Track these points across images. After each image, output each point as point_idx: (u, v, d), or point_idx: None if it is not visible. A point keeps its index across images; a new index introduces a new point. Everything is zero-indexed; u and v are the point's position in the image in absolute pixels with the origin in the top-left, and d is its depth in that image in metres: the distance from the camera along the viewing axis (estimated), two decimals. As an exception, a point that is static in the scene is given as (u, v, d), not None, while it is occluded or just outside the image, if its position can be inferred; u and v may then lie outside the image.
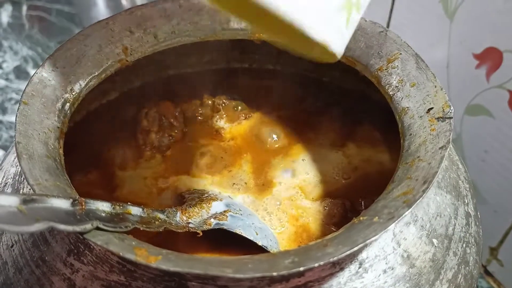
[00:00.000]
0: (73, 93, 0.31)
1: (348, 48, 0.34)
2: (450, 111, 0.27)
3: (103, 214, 0.24)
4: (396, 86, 0.31)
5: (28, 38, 0.75)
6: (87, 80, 0.32)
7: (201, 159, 0.37)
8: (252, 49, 0.42)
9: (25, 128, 0.27)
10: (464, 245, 0.28)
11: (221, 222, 0.31)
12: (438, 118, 0.28)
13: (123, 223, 0.24)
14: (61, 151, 0.28)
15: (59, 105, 0.30)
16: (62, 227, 0.21)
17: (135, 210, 0.26)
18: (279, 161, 0.37)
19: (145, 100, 0.40)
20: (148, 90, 0.42)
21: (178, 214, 0.30)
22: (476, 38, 0.42)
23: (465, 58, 0.43)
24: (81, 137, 0.35)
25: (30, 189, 0.28)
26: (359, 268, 0.25)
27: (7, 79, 0.69)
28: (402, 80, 0.31)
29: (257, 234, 0.31)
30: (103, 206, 0.24)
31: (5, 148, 0.61)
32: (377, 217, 0.23)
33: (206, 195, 0.34)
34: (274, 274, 0.20)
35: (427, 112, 0.28)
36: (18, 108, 0.28)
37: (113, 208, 0.25)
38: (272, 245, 0.31)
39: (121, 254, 0.21)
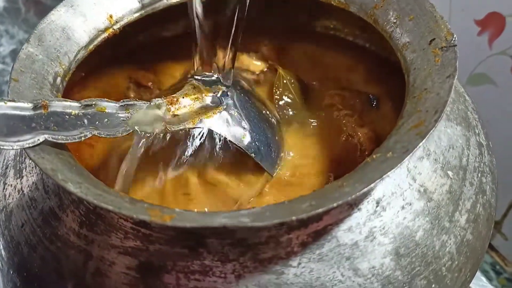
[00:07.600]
0: (63, 67, 0.30)
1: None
2: (454, 38, 0.26)
3: (66, 117, 0.22)
4: (394, 22, 0.30)
5: (24, 22, 0.74)
6: (75, 52, 0.31)
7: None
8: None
9: (18, 105, 0.26)
10: (479, 174, 0.27)
11: (206, 119, 0.28)
12: (441, 48, 0.27)
13: (81, 129, 0.23)
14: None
15: (50, 79, 0.29)
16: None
17: (110, 107, 0.24)
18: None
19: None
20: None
21: (164, 106, 0.27)
22: (478, 3, 0.41)
23: (466, 25, 0.42)
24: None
25: (32, 165, 0.28)
26: (377, 207, 0.24)
27: (3, 63, 0.69)
28: (399, 15, 0.30)
29: (243, 138, 0.28)
30: (71, 107, 0.22)
31: (2, 129, 0.61)
32: (390, 153, 0.22)
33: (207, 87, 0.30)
34: (293, 218, 0.20)
35: (429, 44, 0.27)
36: (9, 85, 0.27)
37: (83, 107, 0.22)
38: (266, 158, 0.28)
39: (135, 216, 0.20)
